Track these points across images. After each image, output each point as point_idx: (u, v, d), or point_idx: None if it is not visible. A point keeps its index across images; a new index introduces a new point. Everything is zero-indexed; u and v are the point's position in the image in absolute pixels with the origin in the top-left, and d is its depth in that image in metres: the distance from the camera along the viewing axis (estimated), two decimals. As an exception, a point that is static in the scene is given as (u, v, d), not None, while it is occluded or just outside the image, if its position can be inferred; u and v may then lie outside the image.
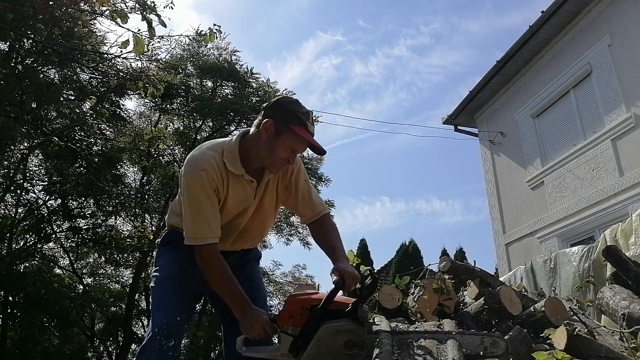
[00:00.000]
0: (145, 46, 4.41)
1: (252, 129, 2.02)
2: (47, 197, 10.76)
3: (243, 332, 1.90)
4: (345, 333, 1.72)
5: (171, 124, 12.71)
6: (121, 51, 5.11)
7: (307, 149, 2.05)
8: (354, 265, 3.69)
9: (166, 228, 2.21)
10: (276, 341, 1.94)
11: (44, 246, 11.63)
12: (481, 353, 1.83)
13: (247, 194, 2.03)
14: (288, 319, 1.82)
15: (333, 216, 13.27)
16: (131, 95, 10.50)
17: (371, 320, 2.71)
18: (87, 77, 9.38)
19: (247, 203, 2.04)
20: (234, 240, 2.11)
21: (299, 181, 2.16)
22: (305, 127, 1.93)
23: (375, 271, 1.88)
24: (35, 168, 10.76)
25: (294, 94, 12.54)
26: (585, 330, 2.32)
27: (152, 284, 2.12)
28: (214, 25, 5.15)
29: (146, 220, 11.88)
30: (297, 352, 1.76)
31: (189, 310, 2.07)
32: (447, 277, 3.28)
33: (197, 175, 1.90)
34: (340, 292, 1.86)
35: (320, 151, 2.01)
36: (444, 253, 15.31)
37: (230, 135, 2.17)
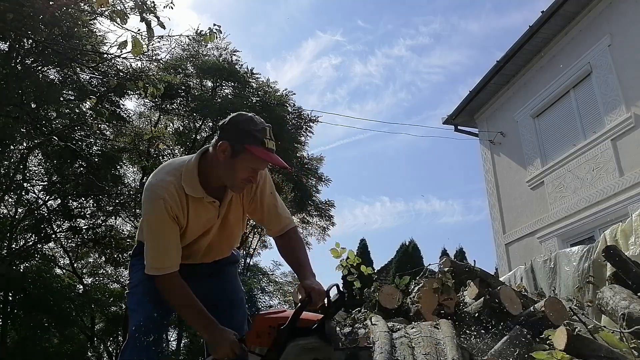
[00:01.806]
0: (145, 46, 4.40)
1: (210, 148, 1.95)
2: (47, 197, 10.77)
3: (211, 353, 1.87)
4: (311, 351, 1.72)
5: (171, 124, 12.73)
6: (121, 51, 5.11)
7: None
8: (354, 265, 3.71)
9: (137, 240, 2.22)
10: None
11: (44, 246, 11.64)
12: None
13: (209, 215, 1.98)
14: (255, 339, 1.82)
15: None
16: (131, 95, 10.50)
17: (368, 321, 2.72)
18: (87, 77, 9.38)
19: (210, 224, 2.00)
20: (202, 255, 2.10)
21: (265, 194, 2.10)
22: (263, 145, 1.85)
23: (341, 287, 1.85)
24: (35, 168, 10.77)
25: (294, 94, 12.56)
26: (586, 329, 2.33)
27: (127, 292, 2.15)
28: (214, 25, 5.14)
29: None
30: None
31: (165, 307, 2.03)
32: (447, 276, 3.28)
33: (156, 204, 1.86)
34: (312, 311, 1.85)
35: (282, 166, 1.98)
36: (444, 253, 15.29)
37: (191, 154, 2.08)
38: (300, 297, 1.84)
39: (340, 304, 1.86)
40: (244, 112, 1.93)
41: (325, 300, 1.83)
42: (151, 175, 2.01)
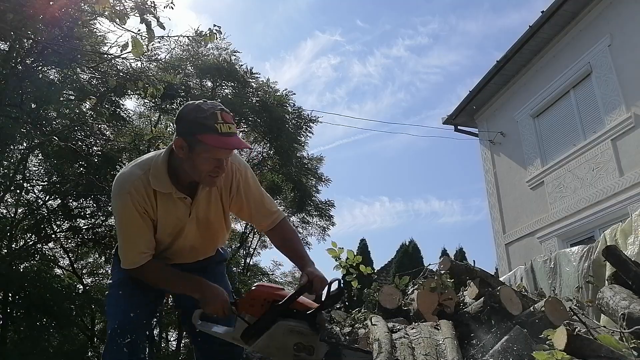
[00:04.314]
0: (145, 47, 4.40)
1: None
2: (47, 197, 10.75)
3: (202, 308, 1.87)
4: (298, 334, 1.74)
5: (171, 124, 12.71)
6: (121, 52, 5.11)
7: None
8: (354, 264, 3.70)
9: None
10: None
11: (44, 246, 11.63)
12: None
13: (180, 212, 1.92)
14: (248, 306, 1.82)
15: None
16: (131, 95, 10.50)
17: (368, 321, 2.73)
18: (87, 77, 9.38)
19: (182, 222, 1.93)
20: (186, 256, 2.08)
21: (249, 191, 2.02)
22: (216, 132, 1.73)
23: (342, 282, 1.85)
24: (35, 168, 10.76)
25: (294, 94, 12.55)
26: (586, 329, 2.33)
27: (106, 293, 2.17)
28: (214, 25, 5.14)
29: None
30: (247, 339, 1.79)
31: (145, 304, 2.02)
32: (445, 277, 3.28)
33: (123, 198, 1.84)
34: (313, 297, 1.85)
35: (243, 148, 1.97)
36: (444, 253, 15.30)
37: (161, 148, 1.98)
38: (301, 281, 1.84)
39: (338, 298, 1.86)
40: (191, 102, 1.84)
41: (325, 291, 1.83)
42: (124, 166, 2.01)
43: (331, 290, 1.83)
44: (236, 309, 1.84)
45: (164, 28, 4.38)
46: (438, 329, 2.64)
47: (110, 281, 2.14)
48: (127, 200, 1.82)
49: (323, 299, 1.82)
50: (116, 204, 1.87)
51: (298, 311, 1.78)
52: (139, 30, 4.39)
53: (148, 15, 4.24)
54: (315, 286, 1.82)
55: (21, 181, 9.92)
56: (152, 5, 4.37)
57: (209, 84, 12.19)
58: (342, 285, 1.85)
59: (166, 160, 1.88)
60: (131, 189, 1.83)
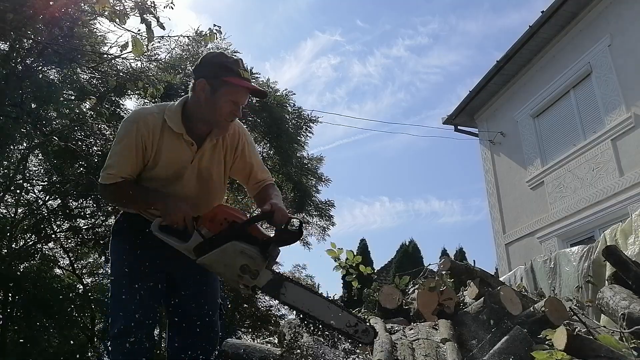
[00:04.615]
0: (145, 46, 4.40)
1: (190, 94, 2.01)
2: (47, 197, 10.75)
3: (162, 218, 1.90)
4: (247, 257, 1.82)
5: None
6: (121, 51, 5.10)
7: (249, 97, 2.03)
8: (354, 264, 3.70)
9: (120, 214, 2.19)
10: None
11: (44, 246, 11.62)
12: (350, 332, 1.95)
13: (184, 154, 1.99)
14: (208, 222, 1.88)
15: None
16: (131, 95, 10.49)
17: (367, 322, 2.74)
18: (87, 77, 9.37)
19: (182, 164, 2.00)
20: None
21: (252, 153, 2.17)
22: (239, 75, 1.90)
23: (301, 224, 1.93)
24: (35, 168, 10.75)
25: (294, 94, 12.53)
26: (586, 329, 2.32)
27: (109, 280, 2.14)
28: (214, 25, 5.14)
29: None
30: (199, 253, 1.85)
31: (150, 300, 2.02)
32: (445, 277, 3.28)
33: (130, 126, 1.94)
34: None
35: (261, 94, 2.05)
36: (444, 253, 15.32)
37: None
38: (264, 208, 1.91)
39: (296, 237, 1.91)
40: (213, 51, 2.00)
41: (283, 227, 1.89)
42: None
43: (291, 228, 1.90)
44: (196, 224, 1.88)
45: (164, 28, 4.38)
46: (437, 329, 2.64)
47: (112, 277, 2.11)
48: (132, 128, 1.93)
49: (280, 233, 1.89)
50: (121, 129, 1.97)
51: (253, 237, 1.85)
52: (139, 30, 4.40)
53: (148, 15, 4.24)
54: (276, 217, 1.87)
55: (21, 181, 9.91)
56: (152, 5, 4.37)
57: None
58: (302, 226, 1.92)
59: (181, 107, 2.00)
60: (140, 121, 1.94)
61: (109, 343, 2.03)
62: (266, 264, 1.86)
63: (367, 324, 2.04)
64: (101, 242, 11.33)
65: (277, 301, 1.92)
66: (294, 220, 1.93)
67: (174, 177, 2.00)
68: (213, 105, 1.91)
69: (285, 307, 1.99)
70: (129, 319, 1.94)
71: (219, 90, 1.90)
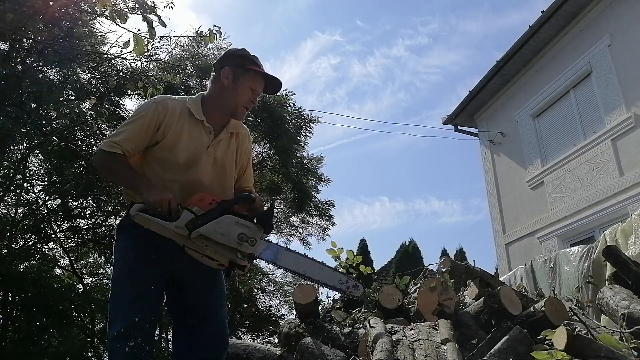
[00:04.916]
0: (146, 45, 4.40)
1: (208, 86, 2.21)
2: (47, 197, 10.75)
3: (145, 202, 1.91)
4: (243, 227, 1.91)
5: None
6: (121, 51, 5.11)
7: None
8: (354, 264, 3.70)
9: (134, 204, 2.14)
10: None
11: (44, 246, 11.62)
12: (343, 289, 2.11)
13: (202, 140, 2.10)
14: (198, 201, 1.95)
15: (333, 216, 13.29)
16: (131, 95, 10.48)
17: (367, 322, 2.74)
18: (87, 77, 9.37)
19: (200, 149, 2.09)
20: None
21: (250, 159, 2.33)
22: (259, 66, 2.14)
23: (272, 217, 2.04)
24: (35, 168, 10.75)
25: (294, 94, 12.52)
26: (586, 329, 2.32)
27: (111, 278, 2.12)
28: (214, 26, 5.13)
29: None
30: (192, 227, 1.88)
31: (152, 302, 2.01)
32: (445, 276, 3.28)
33: (148, 105, 2.07)
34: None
35: (277, 82, 2.18)
36: (444, 253, 15.31)
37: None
38: (248, 194, 2.07)
39: (269, 228, 2.01)
40: (234, 47, 2.22)
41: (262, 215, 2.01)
42: None
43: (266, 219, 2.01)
44: (182, 208, 1.93)
45: (165, 26, 4.38)
46: (437, 329, 2.64)
47: (113, 277, 2.08)
48: (150, 107, 2.05)
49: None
50: (140, 106, 2.10)
51: (242, 214, 1.96)
52: (139, 29, 4.39)
53: (149, 13, 4.24)
54: (257, 203, 2.03)
55: (21, 181, 9.91)
56: (152, 4, 4.36)
57: (209, 84, 12.17)
58: (272, 219, 2.03)
59: (200, 99, 2.17)
60: (160, 102, 2.07)
61: (107, 345, 1.97)
62: (261, 232, 1.95)
63: (356, 280, 2.20)
64: (101, 242, 11.33)
65: (274, 267, 2.07)
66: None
67: (191, 161, 2.07)
68: (234, 91, 2.10)
69: (283, 271, 2.21)
70: (128, 321, 1.92)
71: (241, 77, 2.10)
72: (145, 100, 2.17)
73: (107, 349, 1.96)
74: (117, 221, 2.23)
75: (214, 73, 2.18)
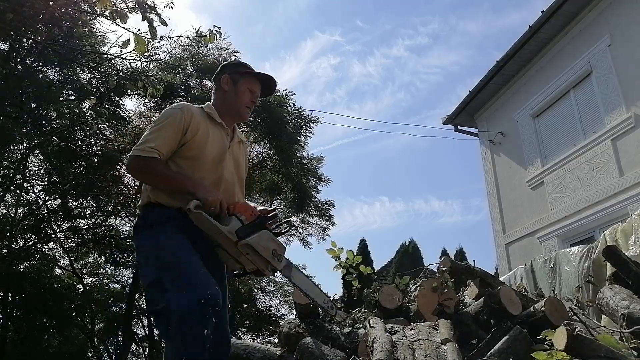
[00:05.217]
0: (147, 45, 4.39)
1: (213, 97, 2.38)
2: (47, 197, 10.75)
3: (202, 201, 1.99)
4: (276, 243, 2.13)
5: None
6: (121, 51, 5.10)
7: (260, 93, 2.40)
8: (354, 264, 3.70)
9: (143, 206, 2.12)
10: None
11: (44, 246, 11.63)
12: (324, 307, 2.41)
13: (224, 141, 2.27)
14: (244, 210, 2.12)
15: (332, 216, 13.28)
16: (131, 95, 10.48)
17: (367, 322, 2.75)
18: (87, 77, 9.38)
19: (223, 149, 2.26)
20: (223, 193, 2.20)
21: (247, 166, 2.52)
22: (252, 70, 2.37)
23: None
24: (35, 168, 10.76)
25: (294, 94, 12.51)
26: (586, 329, 2.32)
27: (161, 260, 1.94)
28: (214, 26, 5.13)
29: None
30: (243, 236, 2.04)
31: (215, 290, 1.89)
32: (446, 277, 3.28)
33: (173, 111, 2.17)
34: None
35: (272, 81, 2.39)
36: (444, 253, 15.31)
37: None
38: (272, 208, 2.27)
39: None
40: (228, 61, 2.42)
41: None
42: None
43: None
44: (228, 212, 2.09)
45: (166, 25, 4.37)
46: (437, 329, 2.64)
47: (164, 255, 1.95)
48: (176, 113, 2.16)
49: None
50: (164, 113, 2.18)
51: (275, 232, 2.18)
52: (139, 29, 4.39)
53: (150, 12, 4.23)
54: (277, 217, 2.19)
55: (21, 181, 9.92)
56: (152, 4, 4.36)
57: (209, 84, 12.16)
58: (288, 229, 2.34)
59: (212, 105, 2.34)
60: (184, 108, 2.20)
61: (172, 321, 1.79)
62: (285, 250, 2.18)
63: (333, 301, 2.55)
64: (101, 242, 11.33)
65: (287, 280, 2.31)
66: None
67: (218, 159, 2.22)
68: (235, 94, 2.31)
69: (291, 288, 2.53)
70: (202, 290, 1.80)
71: (239, 81, 2.31)
72: (165, 110, 2.21)
73: (174, 319, 1.77)
74: (137, 220, 2.15)
75: (215, 85, 2.37)
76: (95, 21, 7.76)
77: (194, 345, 1.76)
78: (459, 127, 10.96)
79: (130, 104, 22.64)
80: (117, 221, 12.03)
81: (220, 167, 2.21)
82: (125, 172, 12.11)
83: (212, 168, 2.18)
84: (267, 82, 2.40)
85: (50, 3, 5.69)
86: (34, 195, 10.73)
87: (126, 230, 12.13)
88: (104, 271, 14.35)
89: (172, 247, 1.96)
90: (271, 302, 16.13)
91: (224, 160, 2.24)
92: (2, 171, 9.18)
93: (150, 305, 2.01)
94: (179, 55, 11.08)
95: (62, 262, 12.68)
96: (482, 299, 2.95)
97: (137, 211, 2.23)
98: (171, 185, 2.08)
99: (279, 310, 15.88)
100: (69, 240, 11.76)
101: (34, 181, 10.61)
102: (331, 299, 2.55)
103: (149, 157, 2.03)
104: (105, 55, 7.73)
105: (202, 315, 1.77)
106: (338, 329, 3.12)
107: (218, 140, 2.23)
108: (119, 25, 4.37)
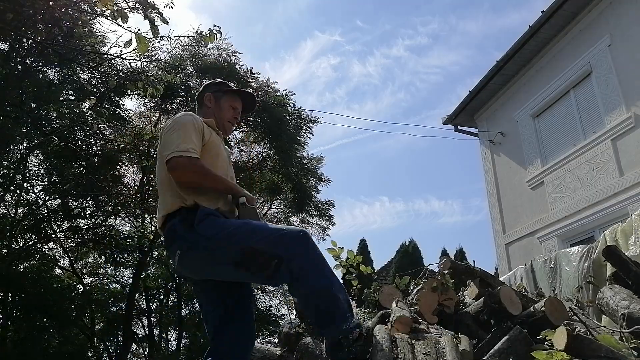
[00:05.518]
0: (147, 45, 4.38)
1: (197, 111, 2.50)
2: (47, 197, 10.75)
3: (247, 198, 2.19)
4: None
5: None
6: (121, 51, 5.10)
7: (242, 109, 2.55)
8: (354, 264, 3.70)
9: (176, 210, 2.12)
10: None
11: (44, 246, 11.63)
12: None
13: (223, 145, 2.41)
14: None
15: (333, 216, 13.28)
16: (131, 95, 10.48)
17: (367, 322, 2.75)
18: (87, 77, 9.37)
19: (227, 153, 2.43)
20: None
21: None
22: (233, 87, 2.53)
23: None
24: (35, 168, 10.76)
25: (294, 94, 12.52)
26: (586, 329, 2.32)
27: (240, 234, 2.04)
28: (214, 26, 5.13)
29: (146, 220, 11.87)
30: None
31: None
32: (446, 277, 3.27)
33: (187, 118, 2.26)
34: None
35: (252, 98, 2.54)
36: (444, 253, 15.31)
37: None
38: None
39: None
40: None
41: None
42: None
43: None
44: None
45: (167, 23, 4.37)
46: (437, 330, 2.63)
47: (232, 222, 2.11)
48: (190, 119, 2.25)
49: None
50: (179, 117, 2.25)
51: None
52: (139, 29, 4.39)
53: (151, 11, 4.23)
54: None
55: (21, 181, 9.92)
56: (153, 3, 4.36)
57: (197, 112, 12.13)
58: None
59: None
60: (193, 115, 2.32)
61: (292, 265, 1.95)
62: None
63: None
64: (101, 242, 11.33)
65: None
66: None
67: (226, 160, 2.37)
68: (219, 111, 2.44)
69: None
70: (292, 229, 2.06)
71: (221, 99, 2.45)
72: (177, 119, 2.25)
73: (295, 262, 1.95)
74: (175, 224, 2.14)
75: (198, 103, 2.51)
76: (95, 21, 7.76)
77: (324, 273, 2.00)
78: (459, 127, 10.96)
79: (130, 104, 22.66)
80: (117, 221, 12.05)
81: (229, 168, 2.38)
82: (126, 173, 12.15)
83: (226, 168, 2.33)
84: (248, 99, 2.54)
85: (50, 3, 5.69)
86: (34, 195, 10.73)
87: (126, 230, 12.14)
88: (104, 271, 14.36)
89: (237, 222, 2.12)
90: (271, 302, 16.13)
91: (229, 162, 2.41)
92: (2, 171, 9.18)
93: (254, 270, 2.00)
94: (179, 55, 11.08)
95: (62, 262, 12.69)
96: (482, 299, 2.95)
97: (159, 225, 2.22)
98: (216, 185, 2.16)
99: (279, 310, 15.89)
100: (69, 240, 11.76)
101: (34, 181, 10.62)
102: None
103: (193, 157, 2.09)
104: (105, 55, 7.72)
105: (311, 244, 2.00)
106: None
107: (222, 144, 2.38)
108: (119, 25, 4.37)
